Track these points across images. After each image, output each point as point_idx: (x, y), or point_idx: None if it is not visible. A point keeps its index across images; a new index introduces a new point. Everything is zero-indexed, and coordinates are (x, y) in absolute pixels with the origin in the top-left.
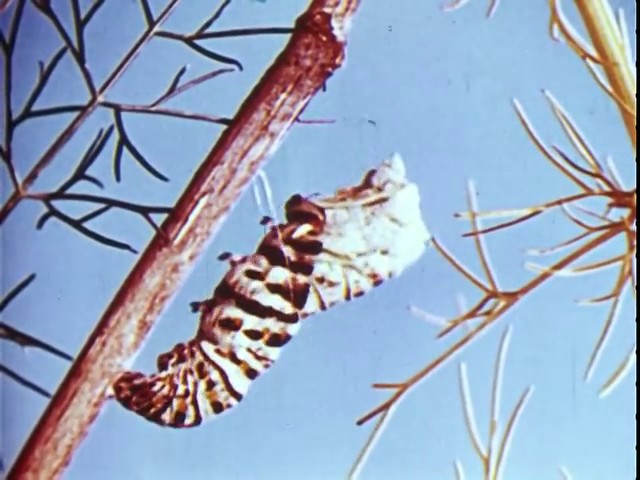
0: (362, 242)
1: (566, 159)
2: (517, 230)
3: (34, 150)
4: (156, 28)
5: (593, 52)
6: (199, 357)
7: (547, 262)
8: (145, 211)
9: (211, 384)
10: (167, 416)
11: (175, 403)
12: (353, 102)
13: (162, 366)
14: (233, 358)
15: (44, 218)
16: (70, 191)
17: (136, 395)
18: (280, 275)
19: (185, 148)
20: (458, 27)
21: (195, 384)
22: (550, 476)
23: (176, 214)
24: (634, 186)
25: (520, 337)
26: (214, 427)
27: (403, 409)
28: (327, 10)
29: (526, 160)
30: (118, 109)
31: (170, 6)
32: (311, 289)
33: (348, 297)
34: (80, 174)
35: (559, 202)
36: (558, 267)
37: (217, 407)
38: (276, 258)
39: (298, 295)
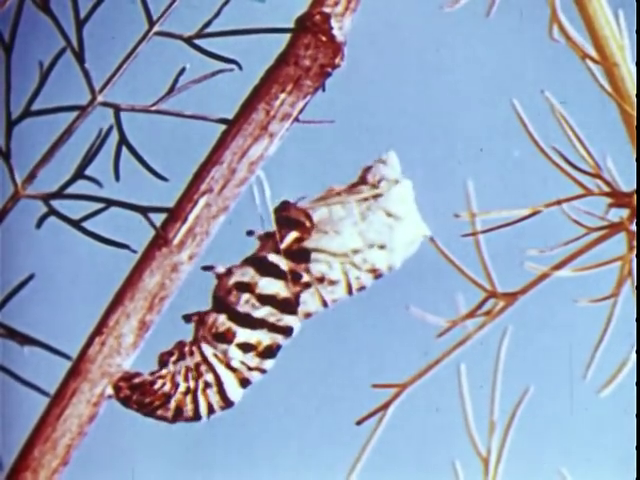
0: (359, 238)
1: (565, 159)
2: (516, 230)
3: (33, 150)
4: (156, 28)
5: (593, 52)
6: (198, 357)
7: (546, 262)
8: (144, 211)
9: (207, 385)
10: (169, 413)
11: (176, 400)
12: (352, 102)
13: (163, 363)
14: (228, 365)
15: (43, 218)
16: (69, 191)
17: (136, 394)
18: (269, 285)
19: (184, 148)
20: (458, 27)
21: (196, 381)
22: (549, 476)
23: (175, 214)
24: (633, 186)
25: (519, 337)
26: (213, 426)
27: (402, 409)
28: (327, 10)
29: (525, 160)
30: (117, 109)
31: (170, 6)
32: (312, 289)
33: (350, 293)
34: (79, 174)
35: (558, 202)
36: (557, 267)
37: (210, 408)
38: (264, 268)
39: (288, 306)
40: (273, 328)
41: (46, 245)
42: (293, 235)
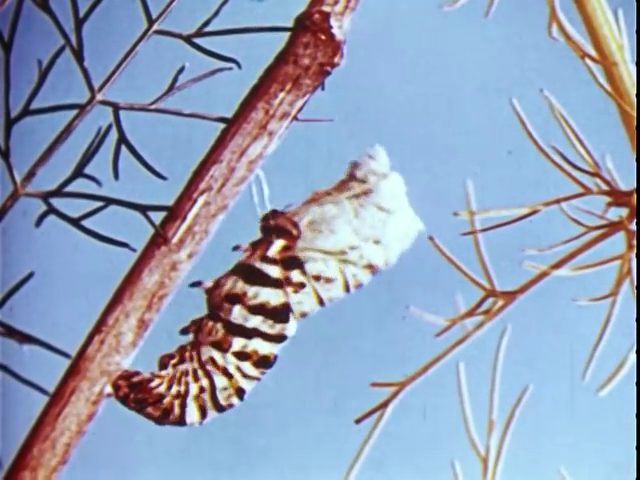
0: (353, 235)
1: (565, 158)
2: (515, 229)
3: (33, 148)
4: (155, 26)
5: (592, 52)
6: (196, 362)
7: (545, 261)
8: (144, 209)
9: (201, 390)
10: (157, 413)
11: (166, 402)
12: (352, 101)
13: (163, 366)
14: (225, 372)
15: (43, 216)
16: (69, 189)
17: (134, 392)
18: (259, 295)
19: (184, 146)
20: (457, 27)
21: (187, 385)
22: (549, 476)
23: (175, 212)
24: (633, 185)
25: (518, 336)
26: (212, 426)
27: (401, 408)
28: (326, 9)
29: (525, 159)
30: (117, 107)
31: (169, 4)
32: (308, 287)
33: (348, 290)
34: (78, 172)
35: (557, 201)
36: (556, 266)
37: (203, 412)
38: (252, 277)
39: (279, 314)
40: (267, 337)
41: (45, 243)
42: (280, 243)
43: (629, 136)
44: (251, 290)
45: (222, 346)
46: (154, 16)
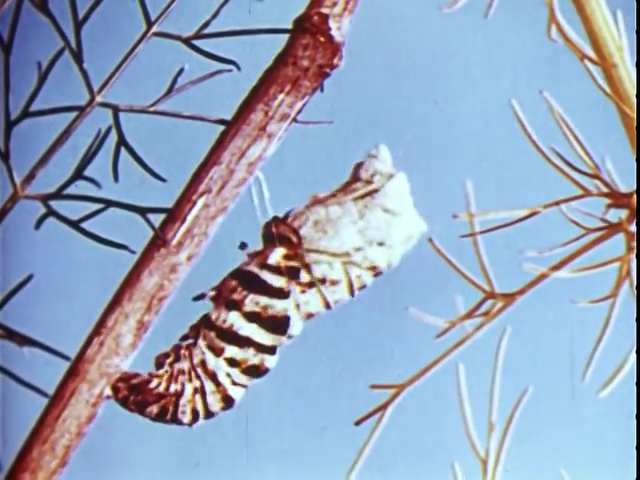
0: (358, 236)
1: (564, 160)
2: (515, 231)
3: (32, 150)
4: (154, 28)
5: (591, 53)
6: (189, 363)
7: (545, 263)
8: (143, 211)
9: (195, 391)
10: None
11: (169, 401)
12: (351, 103)
13: (159, 365)
14: (214, 378)
15: (42, 218)
16: (68, 191)
17: (134, 394)
18: (256, 303)
19: (183, 149)
20: (456, 28)
21: (183, 385)
22: (549, 477)
23: (174, 215)
24: (632, 187)
25: (518, 338)
26: (212, 427)
27: (401, 410)
28: (325, 11)
29: (524, 161)
30: (116, 109)
31: (168, 6)
32: (314, 289)
33: (352, 292)
34: (78, 174)
35: (557, 203)
36: (556, 268)
37: (195, 414)
38: (251, 284)
39: (279, 323)
40: (259, 348)
41: (45, 246)
42: (280, 252)
43: (629, 138)
44: (249, 297)
45: (215, 351)
46: (153, 18)
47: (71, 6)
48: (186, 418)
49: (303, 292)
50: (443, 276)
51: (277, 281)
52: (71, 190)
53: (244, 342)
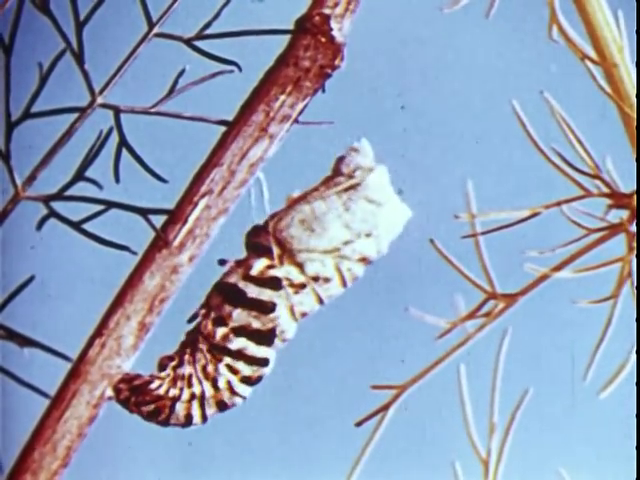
0: (345, 230)
1: (565, 160)
2: (516, 232)
3: (33, 151)
4: (155, 29)
5: (592, 53)
6: (191, 368)
7: (546, 263)
8: (144, 212)
9: (192, 397)
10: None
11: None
12: (352, 103)
13: (162, 367)
14: (214, 384)
15: (43, 219)
16: (69, 193)
17: (135, 396)
18: (242, 317)
19: (184, 149)
20: (457, 28)
21: (181, 390)
22: (549, 477)
23: (175, 216)
24: (633, 187)
25: (519, 338)
26: (213, 429)
27: (402, 411)
28: (326, 11)
29: (525, 161)
30: (117, 110)
31: (169, 7)
32: (308, 288)
33: (345, 286)
34: (79, 175)
35: (558, 203)
36: (557, 269)
37: (188, 419)
38: (236, 297)
39: (265, 336)
40: (249, 360)
41: (46, 247)
42: (262, 263)
43: (629, 138)
44: (235, 312)
45: (214, 358)
46: (154, 19)
47: (72, 7)
48: (179, 421)
49: (297, 293)
50: (444, 277)
51: (262, 294)
52: (72, 191)
53: (235, 355)
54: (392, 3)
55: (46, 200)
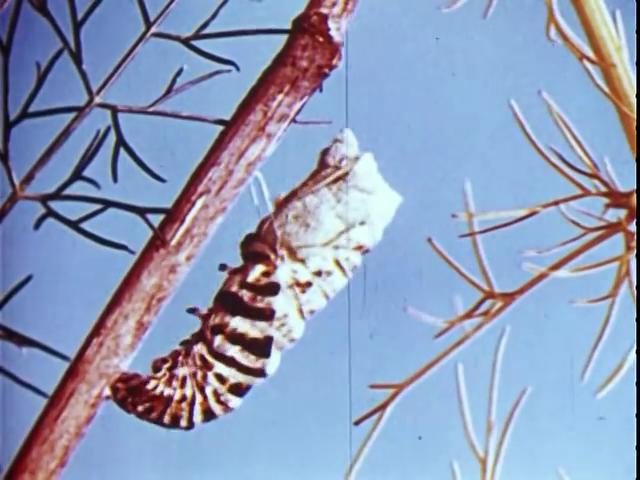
0: (339, 220)
1: (563, 160)
2: (514, 231)
3: (31, 151)
4: (153, 29)
5: (590, 53)
6: (184, 370)
7: (544, 263)
8: (142, 212)
9: (183, 399)
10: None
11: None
12: (350, 103)
13: (156, 369)
14: (201, 391)
15: (41, 219)
16: (67, 192)
17: (132, 395)
18: (239, 325)
19: (182, 149)
20: (455, 28)
21: (174, 391)
22: (547, 477)
23: (173, 215)
24: (631, 187)
25: (517, 338)
26: (211, 428)
27: (400, 410)
28: (324, 11)
29: (523, 161)
30: (115, 110)
31: (167, 7)
32: (314, 285)
33: (346, 276)
34: (77, 175)
35: (556, 203)
36: (555, 268)
37: (175, 420)
38: (233, 306)
39: (261, 346)
40: (243, 369)
41: (44, 246)
42: (259, 269)
43: (628, 137)
44: (233, 320)
45: (206, 365)
46: (152, 19)
47: (70, 7)
48: (167, 422)
49: (304, 292)
50: (442, 276)
51: (260, 301)
52: (70, 190)
53: (230, 362)
54: (390, 2)
55: (44, 199)
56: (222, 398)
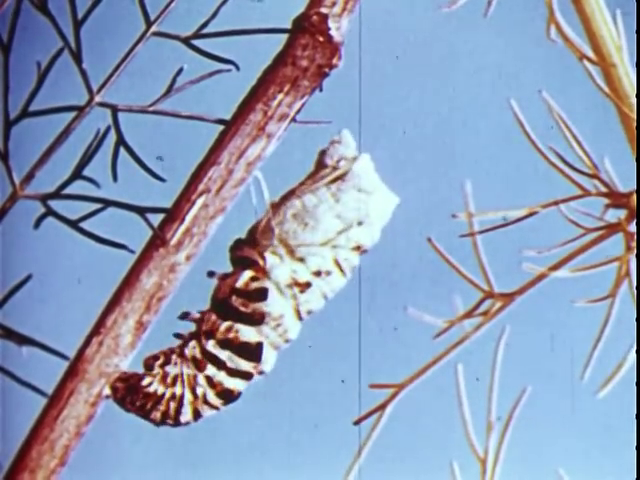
0: (338, 220)
1: (563, 160)
2: (514, 231)
3: (31, 150)
4: (153, 28)
5: (590, 53)
6: (177, 369)
7: (544, 263)
8: (142, 211)
9: (172, 397)
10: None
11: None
12: (350, 103)
13: (148, 367)
14: (193, 391)
15: (41, 218)
16: (67, 191)
17: (130, 394)
18: (230, 330)
19: (182, 148)
20: (455, 28)
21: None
22: (547, 477)
23: (173, 214)
24: (631, 187)
25: (517, 338)
26: (211, 427)
27: (400, 409)
28: (324, 10)
29: (523, 161)
30: (115, 109)
31: (167, 6)
32: (314, 286)
33: (345, 275)
34: (77, 174)
35: (556, 203)
36: (555, 268)
37: (164, 418)
38: (224, 311)
39: (253, 351)
40: (232, 372)
41: (44, 245)
42: (247, 274)
43: (628, 138)
44: (223, 325)
45: (198, 366)
46: (152, 18)
47: (70, 6)
48: (157, 418)
49: (302, 292)
50: (442, 276)
51: (249, 307)
52: (70, 190)
53: (221, 365)
54: (390, 2)
55: (44, 198)
56: (211, 401)
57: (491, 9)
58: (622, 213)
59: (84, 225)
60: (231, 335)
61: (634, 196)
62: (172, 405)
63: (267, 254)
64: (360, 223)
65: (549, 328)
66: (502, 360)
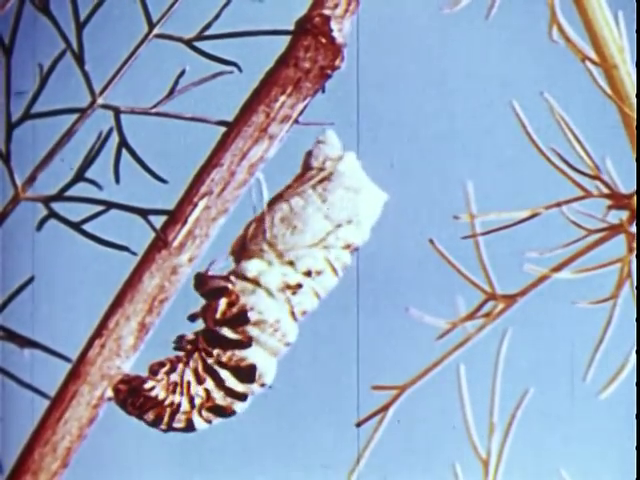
0: (326, 221)
1: (565, 161)
2: (516, 232)
3: (33, 152)
4: (156, 30)
5: (592, 54)
6: (179, 377)
7: (546, 264)
8: (144, 213)
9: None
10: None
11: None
12: (352, 104)
13: (153, 373)
14: (190, 401)
15: (43, 220)
16: (69, 193)
17: (131, 397)
18: (221, 355)
19: (184, 150)
20: (457, 29)
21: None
22: (549, 478)
23: (175, 216)
24: (633, 188)
25: (519, 339)
26: (212, 430)
27: (402, 411)
28: (326, 12)
29: (525, 162)
30: (117, 111)
31: (170, 8)
32: (305, 286)
33: (337, 275)
34: (79, 176)
35: (558, 204)
36: (557, 269)
37: (157, 421)
38: (215, 342)
39: (246, 373)
40: (228, 392)
41: (46, 247)
42: (223, 302)
43: (629, 139)
44: (215, 351)
45: (199, 378)
46: (155, 20)
47: (73, 8)
48: (149, 419)
49: (294, 294)
50: (444, 277)
51: (233, 333)
52: (72, 192)
53: (219, 382)
54: (392, 4)
55: (46, 201)
56: (205, 414)
57: (493, 10)
58: (624, 214)
59: (86, 227)
60: (224, 359)
61: (635, 197)
62: (168, 411)
63: (254, 260)
64: (349, 222)
65: (551, 329)
66: (504, 361)
